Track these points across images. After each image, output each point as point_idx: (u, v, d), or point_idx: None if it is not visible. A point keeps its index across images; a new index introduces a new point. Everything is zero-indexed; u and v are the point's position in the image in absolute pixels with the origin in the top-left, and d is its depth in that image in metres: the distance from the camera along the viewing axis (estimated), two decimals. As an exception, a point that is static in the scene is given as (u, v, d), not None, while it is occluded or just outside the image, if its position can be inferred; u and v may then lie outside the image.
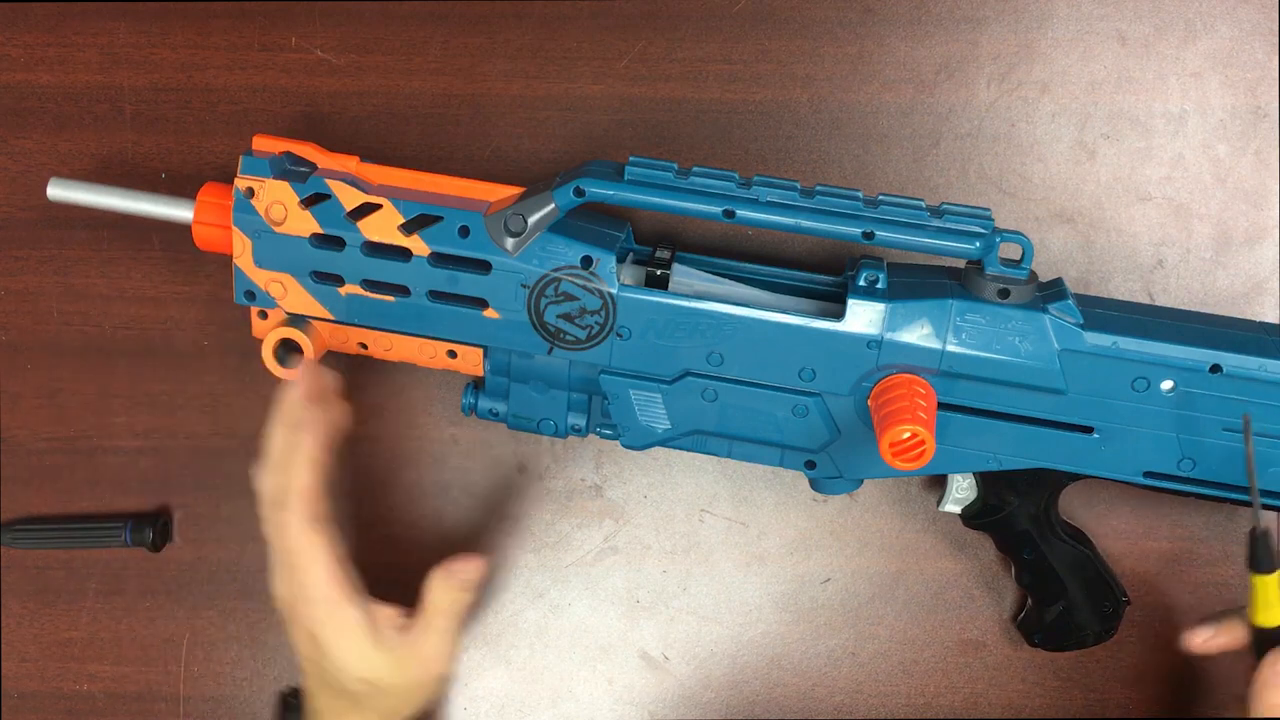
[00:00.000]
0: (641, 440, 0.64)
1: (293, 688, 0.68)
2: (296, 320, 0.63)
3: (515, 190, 0.61)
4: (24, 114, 0.69)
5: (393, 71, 0.69)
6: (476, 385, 0.67)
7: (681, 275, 0.62)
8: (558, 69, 0.68)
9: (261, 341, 0.63)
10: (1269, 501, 0.62)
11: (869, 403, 0.60)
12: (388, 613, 0.61)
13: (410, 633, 0.61)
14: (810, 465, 0.65)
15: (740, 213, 0.57)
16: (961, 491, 0.68)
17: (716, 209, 0.58)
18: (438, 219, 0.60)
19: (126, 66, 0.69)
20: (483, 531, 0.74)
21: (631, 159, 0.59)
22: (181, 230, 0.64)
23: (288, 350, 0.63)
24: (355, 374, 0.72)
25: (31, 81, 0.69)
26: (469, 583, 0.63)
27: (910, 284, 0.60)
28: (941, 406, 0.61)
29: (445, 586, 0.62)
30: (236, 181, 0.61)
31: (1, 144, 0.70)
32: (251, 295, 0.63)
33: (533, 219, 0.60)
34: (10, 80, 0.69)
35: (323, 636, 0.59)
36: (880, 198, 0.58)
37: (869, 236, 0.57)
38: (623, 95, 0.69)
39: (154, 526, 0.73)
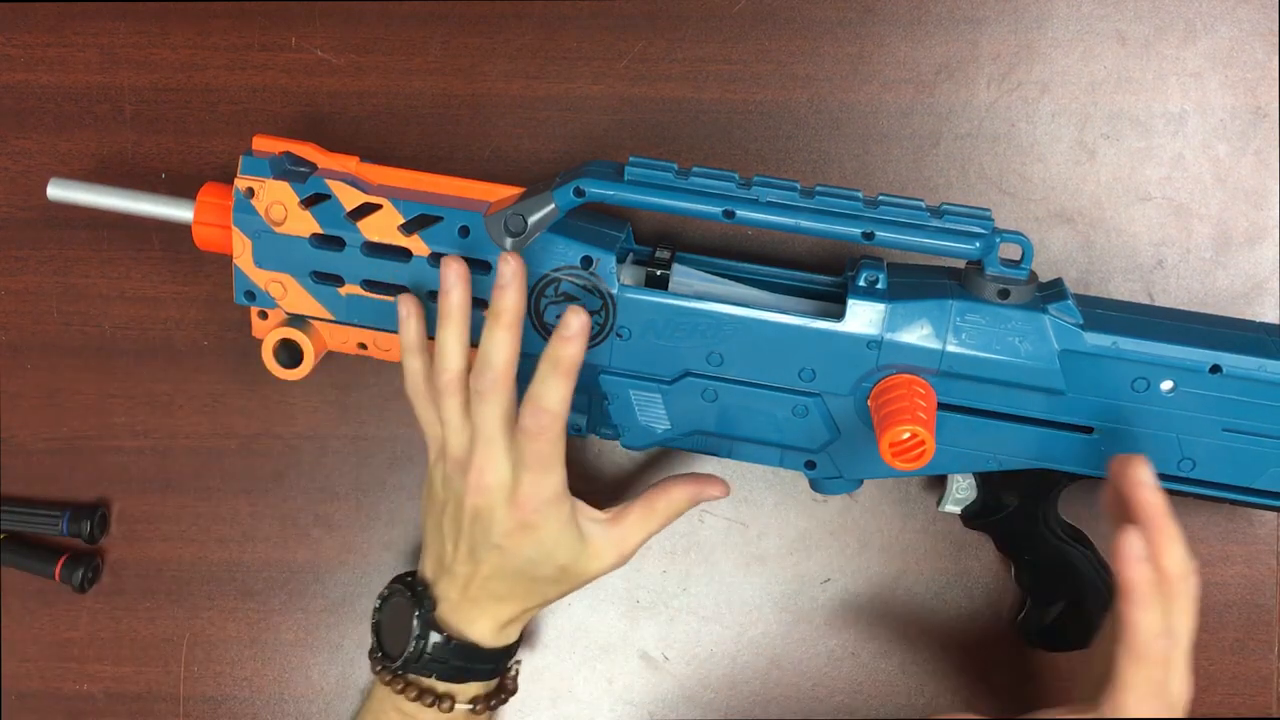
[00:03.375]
0: (641, 440, 0.64)
1: (408, 574, 0.65)
2: (296, 320, 0.63)
3: (515, 190, 0.61)
4: (24, 114, 0.69)
5: (393, 71, 0.69)
6: (476, 385, 0.66)
7: (681, 275, 0.62)
8: (558, 69, 0.68)
9: (261, 341, 0.63)
10: (1269, 502, 0.62)
11: (869, 403, 0.60)
12: (590, 510, 0.62)
13: (619, 526, 0.62)
14: (810, 465, 0.65)
15: (740, 213, 0.57)
16: (961, 491, 0.68)
17: (716, 209, 0.57)
18: (438, 219, 0.60)
19: (126, 66, 0.69)
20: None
21: (631, 159, 0.59)
22: (181, 230, 0.64)
23: (288, 350, 0.63)
24: (355, 374, 0.72)
25: (31, 81, 0.69)
26: (703, 501, 0.65)
27: (910, 284, 0.60)
28: (941, 406, 0.61)
29: (684, 497, 0.64)
30: (236, 182, 0.61)
31: (1, 144, 0.70)
32: (251, 295, 0.63)
33: (533, 219, 0.60)
34: (10, 80, 0.69)
35: (543, 527, 0.59)
36: (880, 198, 0.58)
37: (869, 237, 0.57)
38: (623, 95, 0.69)
39: (91, 519, 0.72)
